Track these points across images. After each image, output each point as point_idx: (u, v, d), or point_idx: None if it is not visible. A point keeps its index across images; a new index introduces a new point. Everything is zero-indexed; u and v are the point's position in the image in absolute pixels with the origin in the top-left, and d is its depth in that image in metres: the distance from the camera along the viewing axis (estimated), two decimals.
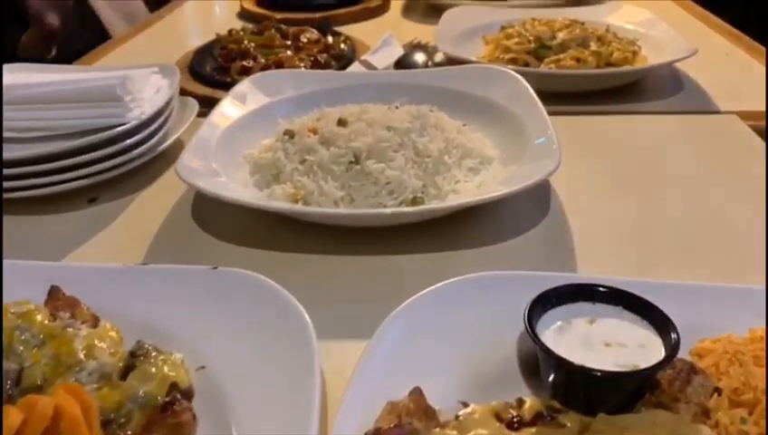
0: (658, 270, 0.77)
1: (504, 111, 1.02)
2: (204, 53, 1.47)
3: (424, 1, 1.85)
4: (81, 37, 2.32)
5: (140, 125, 0.95)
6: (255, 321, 0.61)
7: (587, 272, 0.76)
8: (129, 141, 0.94)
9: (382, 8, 1.90)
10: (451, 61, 1.31)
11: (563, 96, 1.21)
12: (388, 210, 0.81)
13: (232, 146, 0.96)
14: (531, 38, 1.33)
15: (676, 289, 0.64)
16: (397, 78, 1.17)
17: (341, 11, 1.83)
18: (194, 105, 1.12)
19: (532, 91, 1.02)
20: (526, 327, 0.54)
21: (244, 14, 1.91)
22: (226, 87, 1.19)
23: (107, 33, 2.34)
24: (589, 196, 0.92)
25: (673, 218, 0.87)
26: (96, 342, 0.57)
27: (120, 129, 0.93)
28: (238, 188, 0.86)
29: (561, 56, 1.29)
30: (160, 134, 1.00)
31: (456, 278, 0.64)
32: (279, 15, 1.79)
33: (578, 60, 1.28)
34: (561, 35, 1.33)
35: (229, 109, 1.01)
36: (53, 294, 0.63)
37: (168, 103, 1.03)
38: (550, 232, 0.84)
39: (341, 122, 0.92)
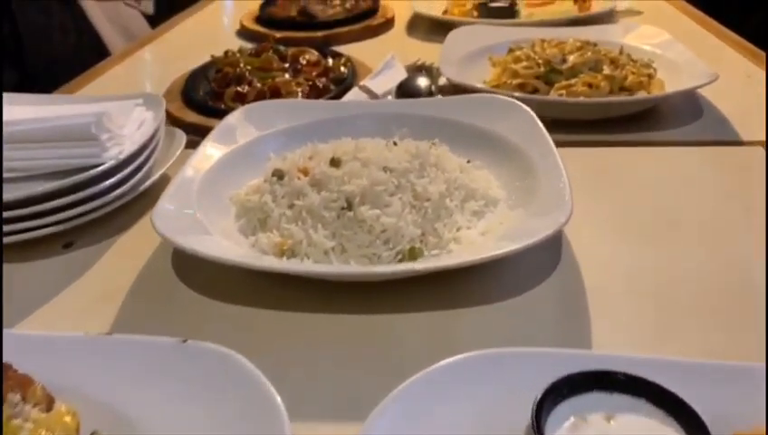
0: (682, 339, 0.69)
1: (511, 147, 0.95)
2: (198, 76, 1.41)
3: (429, 18, 1.79)
4: (79, 54, 2.28)
5: (119, 165, 0.89)
6: (225, 405, 0.54)
7: (602, 338, 0.69)
8: (107, 183, 0.87)
9: (386, 26, 1.83)
10: (455, 87, 1.24)
11: (573, 123, 1.14)
12: (379, 270, 0.74)
13: (217, 186, 0.89)
14: (540, 61, 1.26)
15: (704, 369, 0.56)
16: (396, 108, 1.10)
17: (344, 29, 1.77)
18: (182, 137, 1.05)
19: (541, 125, 0.94)
20: (534, 431, 0.47)
21: (243, 33, 1.85)
22: (219, 114, 1.13)
23: (106, 49, 2.30)
24: (601, 244, 0.85)
25: (697, 273, 0.79)
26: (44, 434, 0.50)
27: (97, 170, 0.86)
28: (221, 238, 0.79)
29: (573, 81, 1.22)
30: (142, 172, 0.94)
31: (456, 357, 0.57)
32: (279, 34, 1.73)
33: (590, 85, 1.21)
34: (572, 59, 1.26)
35: (214, 147, 0.94)
36: (4, 372, 0.56)
37: (151, 138, 0.96)
38: (559, 288, 0.77)
39: (334, 162, 0.85)
